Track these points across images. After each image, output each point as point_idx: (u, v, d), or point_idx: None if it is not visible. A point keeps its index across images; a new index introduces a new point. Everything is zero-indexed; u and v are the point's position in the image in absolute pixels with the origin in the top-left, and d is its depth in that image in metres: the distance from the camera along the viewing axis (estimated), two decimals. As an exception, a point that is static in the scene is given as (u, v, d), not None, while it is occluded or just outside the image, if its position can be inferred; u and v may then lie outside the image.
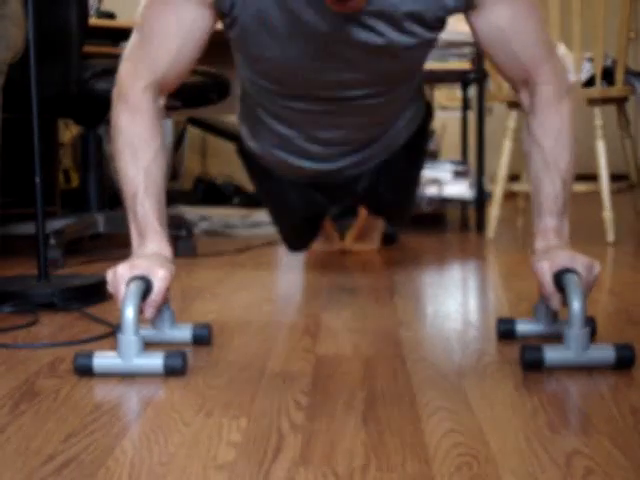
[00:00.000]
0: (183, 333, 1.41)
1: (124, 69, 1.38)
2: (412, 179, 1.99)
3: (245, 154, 1.91)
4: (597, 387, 1.15)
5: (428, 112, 1.90)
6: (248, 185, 3.32)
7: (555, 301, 1.29)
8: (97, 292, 1.79)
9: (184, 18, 1.33)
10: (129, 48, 1.39)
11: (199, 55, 1.38)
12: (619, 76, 2.80)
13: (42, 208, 1.80)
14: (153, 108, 1.36)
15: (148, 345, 1.28)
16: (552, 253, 1.32)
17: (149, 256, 1.32)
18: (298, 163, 1.77)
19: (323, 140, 1.69)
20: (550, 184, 1.36)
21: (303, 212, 1.99)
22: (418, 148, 1.92)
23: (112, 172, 1.42)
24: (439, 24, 1.40)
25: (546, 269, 1.29)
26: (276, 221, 2.08)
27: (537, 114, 1.37)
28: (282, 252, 2.54)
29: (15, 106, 1.96)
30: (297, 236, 2.13)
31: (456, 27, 3.24)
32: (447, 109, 5.22)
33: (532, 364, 1.21)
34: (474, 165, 3.34)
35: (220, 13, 1.36)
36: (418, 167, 1.98)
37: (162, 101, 1.40)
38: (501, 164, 2.96)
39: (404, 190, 2.01)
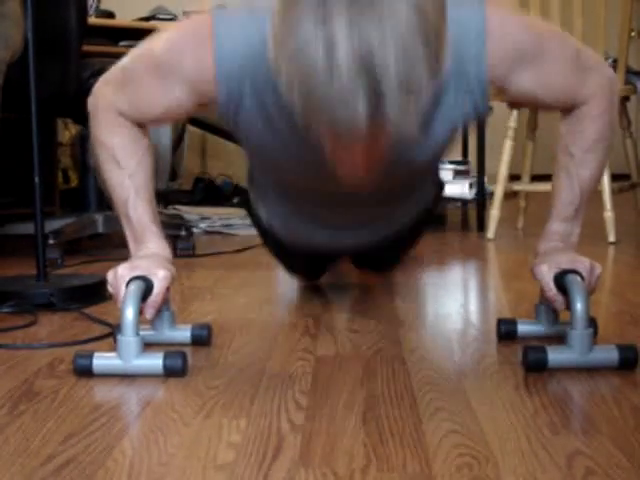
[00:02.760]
0: (182, 333, 1.41)
1: (103, 90, 1.34)
2: (414, 243, 1.95)
3: (250, 210, 1.80)
4: (598, 388, 1.15)
5: (440, 187, 1.84)
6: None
7: (559, 303, 1.29)
8: (96, 292, 1.79)
9: (171, 97, 1.27)
10: (112, 77, 1.33)
11: (178, 121, 1.35)
12: (620, 75, 2.79)
13: (41, 208, 1.79)
14: (130, 123, 1.33)
15: (147, 346, 1.27)
16: (553, 255, 1.32)
17: (149, 257, 1.32)
18: (303, 236, 1.68)
19: (329, 222, 1.61)
20: (568, 190, 1.35)
21: (305, 263, 1.93)
22: (426, 219, 1.86)
23: (99, 182, 1.39)
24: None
25: (546, 272, 1.29)
26: (277, 259, 1.97)
27: (572, 122, 1.34)
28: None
29: (14, 106, 1.96)
30: (300, 274, 2.04)
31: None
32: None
33: (535, 365, 1.21)
34: (475, 165, 3.33)
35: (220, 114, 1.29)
36: (422, 232, 1.93)
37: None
38: (502, 164, 2.95)
39: (404, 251, 1.97)
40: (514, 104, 1.33)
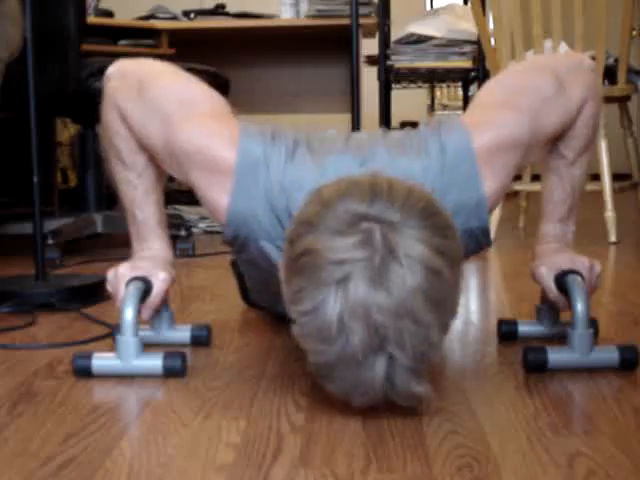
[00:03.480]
0: (182, 334, 1.40)
1: (122, 87, 1.28)
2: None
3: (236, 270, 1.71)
4: (598, 388, 1.15)
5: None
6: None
7: (562, 304, 1.28)
8: (95, 292, 1.78)
9: (173, 169, 1.25)
10: (132, 76, 1.27)
11: None
12: (621, 75, 2.79)
13: (40, 208, 1.79)
14: None
15: (147, 346, 1.27)
16: (551, 256, 1.31)
17: (151, 258, 1.32)
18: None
19: None
20: (560, 190, 1.35)
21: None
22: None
23: (108, 174, 1.37)
24: None
25: (546, 273, 1.28)
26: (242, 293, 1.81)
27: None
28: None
29: (13, 105, 1.95)
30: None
31: (457, 25, 3.25)
32: (448, 108, 5.22)
33: (535, 366, 1.20)
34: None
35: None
36: None
37: None
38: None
39: None
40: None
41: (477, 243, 1.23)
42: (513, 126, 1.21)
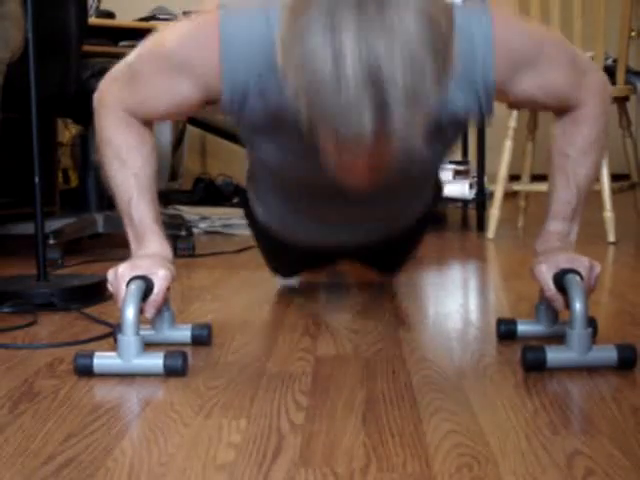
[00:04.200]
0: (183, 333, 1.41)
1: (110, 87, 1.33)
2: (415, 245, 1.94)
3: (247, 208, 1.78)
4: (597, 387, 1.15)
5: (439, 187, 1.83)
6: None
7: (558, 303, 1.29)
8: (96, 292, 1.79)
9: (178, 92, 1.27)
10: (119, 75, 1.33)
11: (186, 116, 1.36)
12: (620, 76, 2.79)
13: (41, 208, 1.79)
14: (137, 121, 1.34)
15: (148, 345, 1.27)
16: (551, 255, 1.32)
17: (150, 256, 1.32)
18: (301, 235, 1.67)
19: (329, 222, 1.61)
20: (565, 190, 1.35)
21: (299, 263, 1.92)
22: (426, 219, 1.86)
23: (103, 178, 1.39)
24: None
25: (545, 271, 1.29)
26: (266, 259, 1.93)
27: (566, 125, 1.35)
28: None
29: (14, 106, 1.96)
30: (285, 271, 1.99)
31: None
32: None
33: (534, 365, 1.21)
34: (475, 165, 3.33)
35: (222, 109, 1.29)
36: (423, 233, 1.92)
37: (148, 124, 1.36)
38: (502, 163, 2.95)
39: (405, 254, 1.96)
40: (513, 105, 1.33)
41: (478, 104, 1.26)
42: (523, 37, 1.28)
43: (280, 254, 1.85)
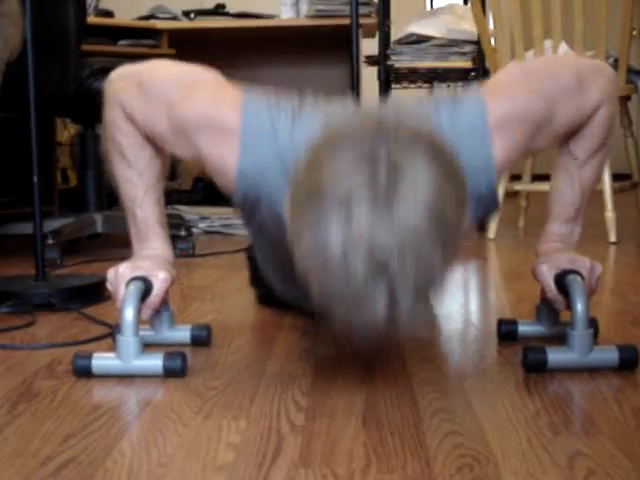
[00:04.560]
0: (182, 334, 1.40)
1: (119, 86, 1.29)
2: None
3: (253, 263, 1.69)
4: (599, 388, 1.15)
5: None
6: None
7: (559, 303, 1.28)
8: (95, 292, 1.78)
9: (181, 149, 1.25)
10: (129, 81, 1.28)
11: None
12: (621, 75, 2.79)
13: (40, 208, 1.79)
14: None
15: (147, 346, 1.27)
16: (553, 256, 1.31)
17: (151, 257, 1.32)
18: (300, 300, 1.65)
19: None
20: (569, 190, 1.35)
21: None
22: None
23: (108, 174, 1.38)
24: None
25: (546, 272, 1.29)
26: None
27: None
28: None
29: (13, 105, 1.95)
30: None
31: (457, 25, 3.24)
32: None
33: (535, 366, 1.20)
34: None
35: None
36: None
37: None
38: (501, 164, 2.94)
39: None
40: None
41: (485, 208, 1.23)
42: (528, 102, 1.23)
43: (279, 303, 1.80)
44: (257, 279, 1.68)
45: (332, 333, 1.02)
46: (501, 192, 2.94)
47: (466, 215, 1.00)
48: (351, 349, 1.10)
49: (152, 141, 1.30)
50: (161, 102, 1.24)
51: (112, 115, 1.30)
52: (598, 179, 1.38)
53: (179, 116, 1.22)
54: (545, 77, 1.27)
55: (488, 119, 1.19)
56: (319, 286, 0.98)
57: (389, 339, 1.03)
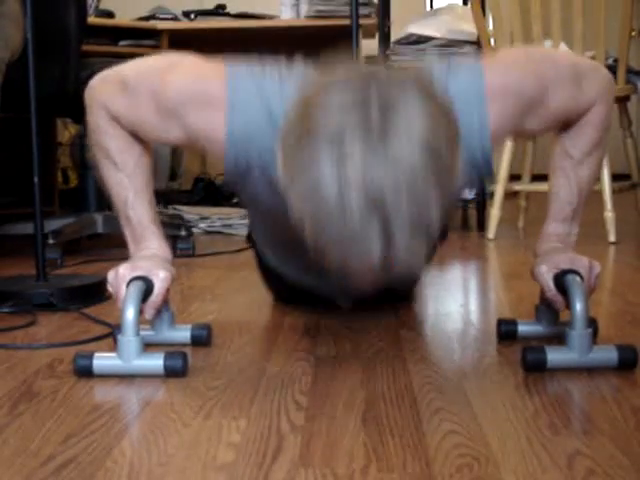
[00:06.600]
0: (182, 334, 1.40)
1: (100, 89, 1.30)
2: (420, 277, 1.92)
3: (254, 245, 1.72)
4: (598, 388, 1.15)
5: (444, 233, 1.81)
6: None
7: (559, 303, 1.28)
8: (96, 292, 1.78)
9: (166, 132, 1.25)
10: (110, 81, 1.29)
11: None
12: (621, 75, 2.79)
13: (40, 208, 1.79)
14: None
15: (147, 346, 1.27)
16: (552, 256, 1.32)
17: (149, 257, 1.32)
18: (305, 283, 1.60)
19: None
20: (566, 190, 1.35)
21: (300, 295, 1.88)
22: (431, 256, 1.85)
23: (98, 179, 1.38)
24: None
25: (545, 272, 1.29)
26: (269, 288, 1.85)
27: (575, 127, 1.33)
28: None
29: (13, 105, 1.95)
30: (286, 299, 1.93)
31: (457, 26, 3.25)
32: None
33: (534, 365, 1.20)
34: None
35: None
36: (427, 268, 1.89)
37: None
38: (502, 163, 2.95)
39: (410, 286, 1.94)
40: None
41: (479, 173, 1.24)
42: (524, 79, 1.23)
43: (284, 290, 1.78)
44: (265, 272, 1.69)
45: (332, 290, 1.01)
46: (501, 191, 2.95)
47: (460, 153, 0.99)
48: (350, 296, 1.09)
49: (139, 138, 1.30)
50: (145, 91, 1.25)
51: (96, 120, 1.31)
52: (595, 179, 1.39)
53: (165, 99, 1.22)
54: (545, 62, 1.29)
55: (485, 85, 1.20)
56: (315, 228, 0.97)
57: (386, 281, 1.01)
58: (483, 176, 1.25)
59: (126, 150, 1.31)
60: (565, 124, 1.32)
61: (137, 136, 1.32)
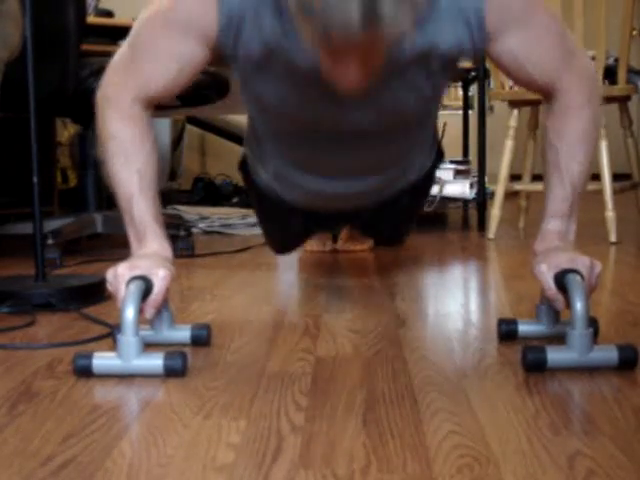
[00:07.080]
0: (182, 334, 1.40)
1: (112, 79, 1.35)
2: (412, 215, 1.96)
3: (247, 173, 1.82)
4: (599, 388, 1.15)
5: (439, 156, 1.85)
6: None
7: (559, 303, 1.28)
8: (95, 292, 1.78)
9: (182, 51, 1.30)
10: (119, 59, 1.35)
11: (192, 81, 1.35)
12: (621, 75, 2.79)
13: (40, 208, 1.79)
14: (143, 114, 1.34)
15: (147, 346, 1.27)
16: (552, 255, 1.31)
17: (149, 256, 1.32)
18: (301, 191, 1.68)
19: (328, 171, 1.61)
20: (559, 186, 1.35)
21: (298, 231, 1.95)
22: (424, 189, 1.90)
23: (104, 176, 1.39)
24: (457, 64, 1.39)
25: (546, 271, 1.28)
26: (266, 231, 2.01)
27: (554, 117, 1.35)
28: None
29: (12, 105, 1.95)
30: (285, 244, 2.09)
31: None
32: (448, 108, 5.22)
33: (535, 365, 1.20)
34: (475, 164, 3.33)
35: (222, 53, 1.32)
36: (420, 205, 1.94)
37: (150, 110, 1.37)
38: (502, 163, 2.95)
39: (403, 224, 1.98)
40: (495, 63, 1.34)
41: (469, 35, 1.27)
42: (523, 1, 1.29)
43: (279, 221, 1.87)
44: (259, 203, 1.81)
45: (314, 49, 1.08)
46: (501, 191, 2.95)
47: None
48: (340, 88, 1.14)
49: (150, 135, 1.34)
50: (148, 35, 1.31)
51: (107, 115, 1.34)
52: (588, 176, 1.38)
53: (163, 18, 1.28)
54: (545, 13, 1.32)
55: None
56: None
57: (373, 60, 1.07)
58: (476, 45, 1.28)
59: (140, 142, 1.33)
60: (540, 86, 1.35)
61: (150, 127, 1.35)
